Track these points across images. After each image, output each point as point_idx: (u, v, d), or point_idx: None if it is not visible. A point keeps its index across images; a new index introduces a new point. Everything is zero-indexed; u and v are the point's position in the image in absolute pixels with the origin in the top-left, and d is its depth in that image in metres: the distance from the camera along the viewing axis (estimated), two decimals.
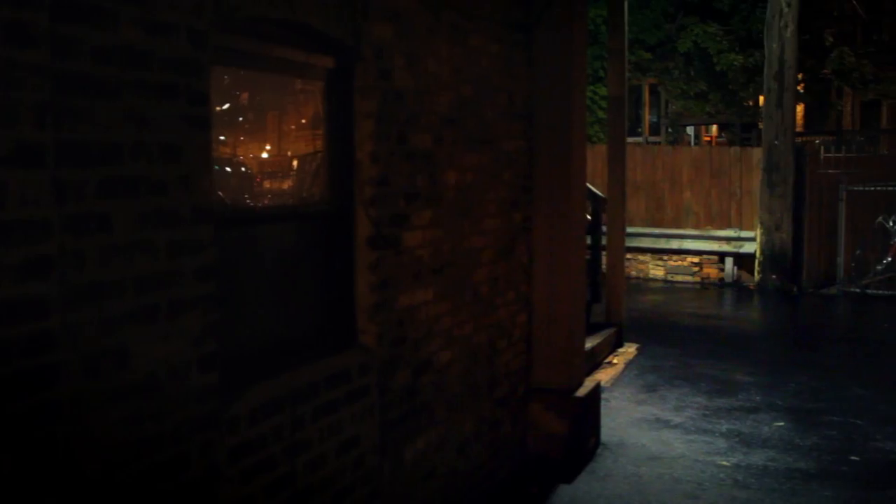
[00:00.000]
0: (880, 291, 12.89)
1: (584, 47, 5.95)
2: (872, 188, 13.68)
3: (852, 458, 5.91)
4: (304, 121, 3.77)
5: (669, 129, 21.29)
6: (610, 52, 8.78)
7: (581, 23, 5.77)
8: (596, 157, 12.99)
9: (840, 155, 14.02)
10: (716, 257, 14.19)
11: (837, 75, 17.42)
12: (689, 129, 24.46)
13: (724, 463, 5.78)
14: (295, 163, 3.74)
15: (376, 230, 3.85)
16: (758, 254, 13.62)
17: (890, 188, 13.71)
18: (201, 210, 2.76)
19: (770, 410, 6.98)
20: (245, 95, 3.45)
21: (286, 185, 3.71)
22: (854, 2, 21.52)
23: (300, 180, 3.75)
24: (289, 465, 3.26)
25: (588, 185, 9.11)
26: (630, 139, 21.09)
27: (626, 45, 8.81)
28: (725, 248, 14.04)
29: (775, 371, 8.32)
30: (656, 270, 14.60)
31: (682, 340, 9.76)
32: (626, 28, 8.85)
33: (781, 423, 6.64)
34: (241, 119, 3.46)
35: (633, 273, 14.70)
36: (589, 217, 8.99)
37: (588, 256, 8.77)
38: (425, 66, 4.25)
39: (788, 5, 13.31)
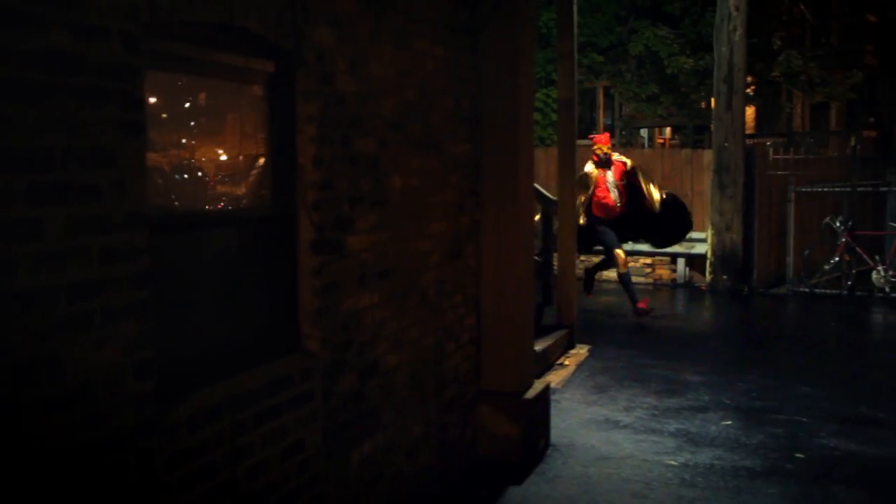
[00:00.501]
0: (828, 291, 13.10)
1: (532, 51, 5.99)
2: (820, 189, 13.93)
3: (797, 455, 6.00)
4: (245, 125, 3.76)
5: (623, 132, 21.46)
6: (560, 56, 8.84)
7: (528, 26, 5.80)
8: (550, 160, 13.04)
9: (789, 157, 14.25)
10: (668, 258, 14.33)
11: (785, 78, 17.67)
12: (643, 132, 24.68)
13: (672, 462, 5.84)
14: (236, 167, 3.72)
15: (319, 234, 3.84)
16: (709, 255, 13.77)
17: (837, 189, 13.97)
18: (136, 216, 2.74)
19: (718, 409, 7.06)
20: (184, 100, 3.43)
21: (227, 189, 3.69)
22: (802, 6, 21.88)
23: (241, 185, 3.73)
24: (230, 471, 3.24)
25: (539, 187, 9.17)
26: (585, 142, 21.30)
27: (576, 49, 8.87)
28: (677, 249, 14.14)
29: (724, 370, 8.42)
30: (609, 272, 14.65)
31: (633, 341, 9.85)
32: (576, 31, 8.90)
33: (729, 422, 6.72)
34: (179, 124, 3.44)
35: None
36: (539, 219, 9.07)
37: (539, 259, 8.84)
38: (369, 69, 4.25)
39: (737, 9, 13.48)
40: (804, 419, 6.79)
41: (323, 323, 3.87)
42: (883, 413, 6.94)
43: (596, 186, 10.93)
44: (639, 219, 11.03)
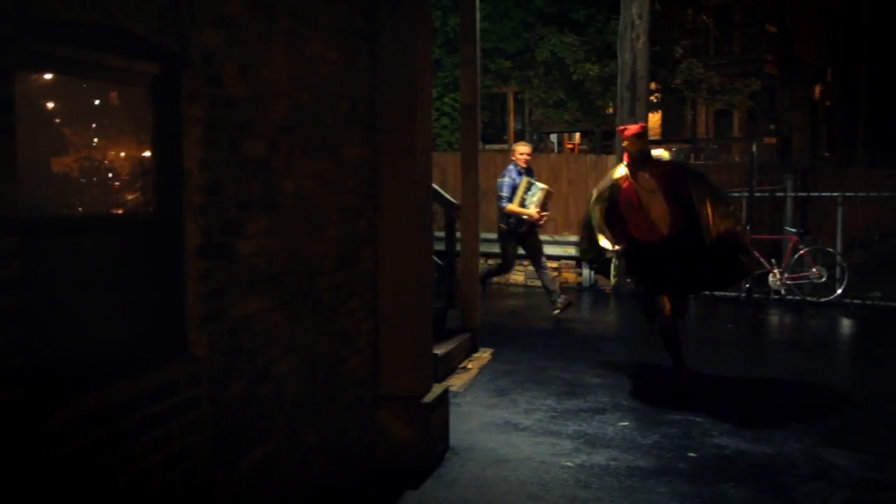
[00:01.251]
0: (727, 293, 13.42)
1: (429, 55, 6.01)
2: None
3: (690, 454, 6.14)
4: (129, 127, 3.68)
5: (534, 137, 21.71)
6: (462, 61, 8.90)
7: (425, 31, 5.83)
8: (458, 165, 13.08)
9: (689, 163, 14.55)
10: (574, 262, 14.52)
11: (687, 86, 18.09)
12: (554, 137, 25.01)
13: (569, 464, 5.92)
14: (120, 170, 3.64)
15: (206, 239, 3.79)
16: (613, 258, 13.96)
17: (735, 194, 14.33)
18: (5, 220, 2.66)
19: (616, 411, 7.17)
20: (61, 101, 3.35)
21: (108, 193, 3.61)
22: (705, 16, 22.45)
23: (124, 188, 3.66)
24: (110, 481, 3.17)
25: (442, 191, 9.22)
26: (496, 146, 21.51)
27: (479, 54, 8.93)
28: None
29: (623, 372, 8.56)
30: (517, 276, 14.83)
31: (537, 344, 9.94)
32: (479, 37, 8.97)
33: (626, 423, 6.84)
34: (57, 126, 3.36)
35: (495, 279, 14.87)
36: (436, 223, 9.11)
37: (442, 263, 8.88)
38: (260, 72, 4.21)
39: (640, 18, 13.73)
40: (698, 418, 6.94)
41: (210, 328, 3.81)
42: (773, 411, 7.14)
43: (624, 197, 7.75)
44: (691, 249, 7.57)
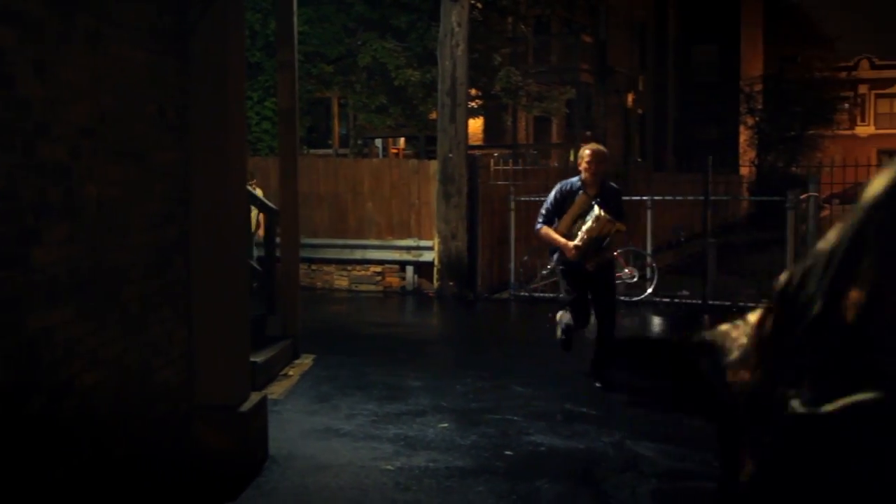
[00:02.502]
0: (545, 294, 13.84)
1: (242, 57, 5.92)
2: (538, 198, 14.67)
3: (507, 452, 6.27)
4: None
5: (359, 142, 21.70)
6: (280, 65, 8.80)
7: (238, 32, 5.73)
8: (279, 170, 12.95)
9: (509, 167, 14.92)
10: (397, 266, 14.63)
11: (506, 93, 18.53)
12: (378, 142, 25.08)
13: (389, 467, 5.94)
14: None
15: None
16: (436, 262, 14.17)
17: None
18: None
19: (436, 413, 7.26)
20: None
21: None
22: (523, 26, 23.07)
23: None
24: None
25: (261, 196, 9.09)
26: (321, 151, 21.39)
27: (297, 58, 8.86)
28: (406, 257, 14.50)
29: (445, 374, 8.68)
30: (341, 281, 14.82)
31: (360, 349, 9.94)
32: (297, 41, 8.89)
33: (446, 425, 6.93)
34: None
35: (319, 284, 14.84)
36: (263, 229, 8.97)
37: (261, 268, 8.76)
38: (57, 73, 4.03)
39: (459, 25, 13.98)
40: (516, 418, 7.11)
41: (4, 341, 3.62)
42: (586, 408, 7.39)
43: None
44: None
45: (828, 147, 38.46)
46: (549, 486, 5.61)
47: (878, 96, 62.93)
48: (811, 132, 38.62)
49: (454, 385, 8.18)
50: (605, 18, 30.01)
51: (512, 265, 14.21)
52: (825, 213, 22.43)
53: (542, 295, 13.85)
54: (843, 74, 44.77)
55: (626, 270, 13.52)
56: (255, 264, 8.60)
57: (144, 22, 4.98)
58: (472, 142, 18.83)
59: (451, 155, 13.94)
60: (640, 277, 13.59)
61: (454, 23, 13.96)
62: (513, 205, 14.26)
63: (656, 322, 12.28)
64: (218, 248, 5.57)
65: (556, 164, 22.68)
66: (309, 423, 6.96)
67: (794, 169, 36.08)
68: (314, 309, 12.30)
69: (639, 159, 33.34)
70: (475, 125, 22.32)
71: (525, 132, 26.82)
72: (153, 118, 5.06)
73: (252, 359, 6.63)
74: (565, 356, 9.78)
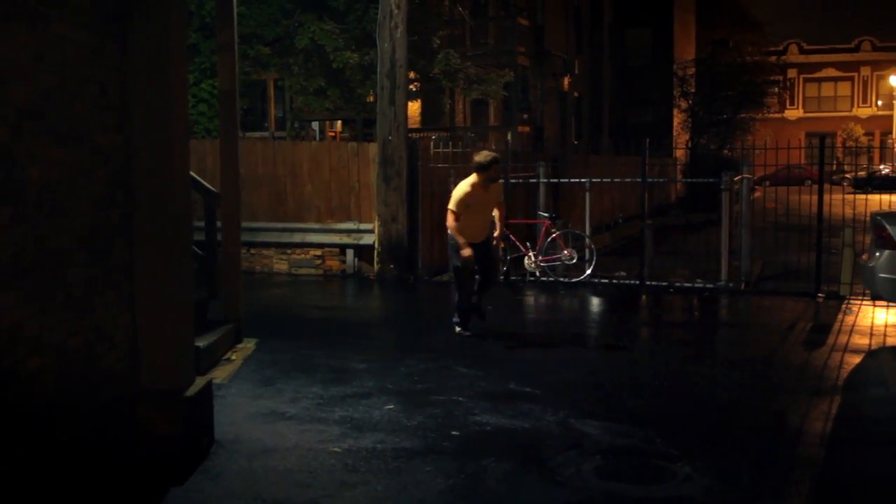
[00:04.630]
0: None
1: (184, 38, 5.84)
2: None
3: (453, 433, 6.32)
4: None
5: (295, 125, 21.51)
6: (219, 47, 8.69)
7: (178, 12, 5.64)
8: (217, 152, 12.79)
9: (449, 150, 14.94)
10: (337, 249, 14.57)
11: (444, 76, 18.52)
12: (315, 124, 24.89)
13: (336, 449, 5.95)
14: None
15: None
16: (377, 245, 14.15)
17: None
18: None
19: (381, 394, 7.28)
20: None
21: None
22: (461, 8, 23.06)
23: None
24: None
25: (201, 180, 8.99)
26: (257, 134, 21.17)
27: (236, 39, 8.76)
28: (346, 240, 14.45)
29: (389, 356, 8.70)
30: (280, 264, 14.72)
31: (302, 333, 9.92)
32: (236, 22, 8.79)
33: (392, 406, 6.95)
34: None
35: (258, 268, 14.73)
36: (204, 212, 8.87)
37: (203, 252, 8.67)
38: None
39: (398, 7, 13.92)
40: (461, 398, 7.17)
41: None
42: (529, 388, 7.47)
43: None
44: None
45: (758, 130, 39.18)
46: (496, 465, 5.67)
47: (806, 80, 64.34)
48: (743, 115, 39.27)
49: (398, 367, 8.20)
50: (542, 2, 30.13)
51: None
52: (757, 194, 22.92)
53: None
54: (773, 59, 45.53)
55: (566, 252, 13.66)
56: (195, 248, 8.50)
57: (85, 2, 4.89)
58: (410, 125, 18.79)
59: (390, 138, 13.92)
60: (578, 259, 13.73)
61: (393, 4, 13.91)
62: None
63: (595, 302, 12.44)
64: (161, 231, 5.50)
65: (493, 147, 22.76)
66: (254, 406, 6.93)
67: (726, 151, 36.73)
68: (255, 293, 12.22)
69: (575, 142, 33.61)
70: (413, 108, 22.27)
71: (463, 115, 26.85)
72: (95, 100, 4.98)
73: (195, 343, 6.58)
74: (505, 337, 9.88)
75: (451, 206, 9.25)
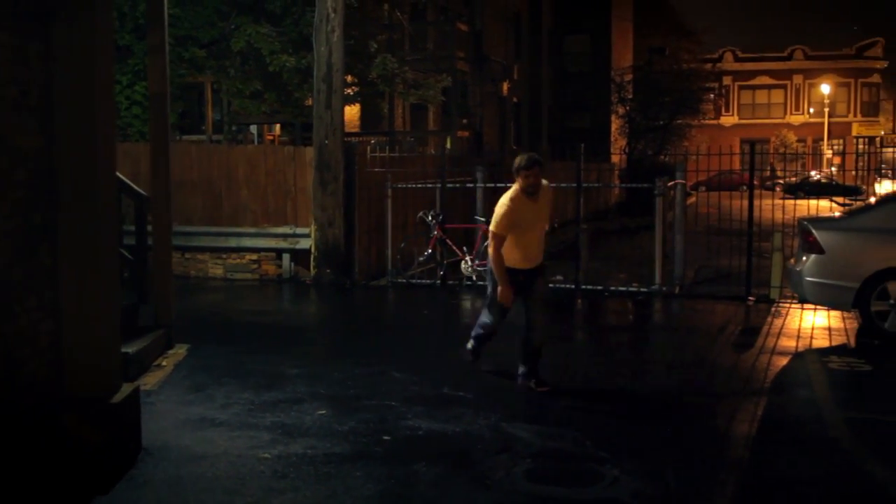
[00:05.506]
0: (423, 281, 13.93)
1: (110, 39, 5.76)
2: (415, 185, 14.78)
3: (385, 437, 6.31)
4: None
5: (233, 128, 21.30)
6: (150, 49, 8.57)
7: (104, 14, 5.56)
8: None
9: (385, 154, 14.92)
10: (274, 254, 14.46)
11: (382, 80, 18.49)
12: (254, 128, 24.69)
13: (266, 455, 5.90)
14: None
15: None
16: (313, 249, 14.07)
17: (429, 186, 14.90)
18: None
19: (314, 400, 7.23)
20: None
21: None
22: (399, 13, 23.08)
23: None
24: None
25: (130, 183, 8.86)
26: (194, 137, 20.91)
27: (167, 41, 8.65)
28: (282, 244, 14.35)
29: (322, 362, 8.66)
30: (216, 269, 14.56)
31: (236, 338, 9.82)
32: (168, 23, 8.68)
33: (324, 412, 6.92)
34: None
35: (193, 273, 14.55)
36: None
37: (132, 257, 8.55)
38: None
39: (335, 11, 13.87)
40: (394, 403, 7.15)
41: None
42: (462, 392, 7.49)
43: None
44: None
45: (694, 136, 39.86)
46: (427, 469, 5.67)
47: (741, 87, 65.53)
48: (679, 121, 39.86)
49: (332, 372, 8.16)
50: (481, 8, 30.26)
51: (389, 252, 14.24)
52: (692, 199, 23.26)
53: (419, 282, 13.94)
54: (709, 66, 46.34)
55: None
56: (125, 253, 8.37)
57: (6, 2, 4.80)
58: (348, 129, 18.76)
59: (327, 142, 13.86)
60: None
61: (330, 8, 13.85)
62: (390, 192, 14.28)
63: None
64: (86, 235, 5.42)
65: (432, 152, 22.79)
66: (184, 413, 6.84)
67: (662, 157, 37.22)
68: (188, 298, 12.08)
69: (514, 147, 33.78)
70: (351, 112, 22.23)
71: (402, 119, 26.84)
72: (14, 102, 4.89)
73: (123, 349, 6.48)
74: (439, 341, 9.89)
75: (493, 227, 7.42)
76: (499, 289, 7.47)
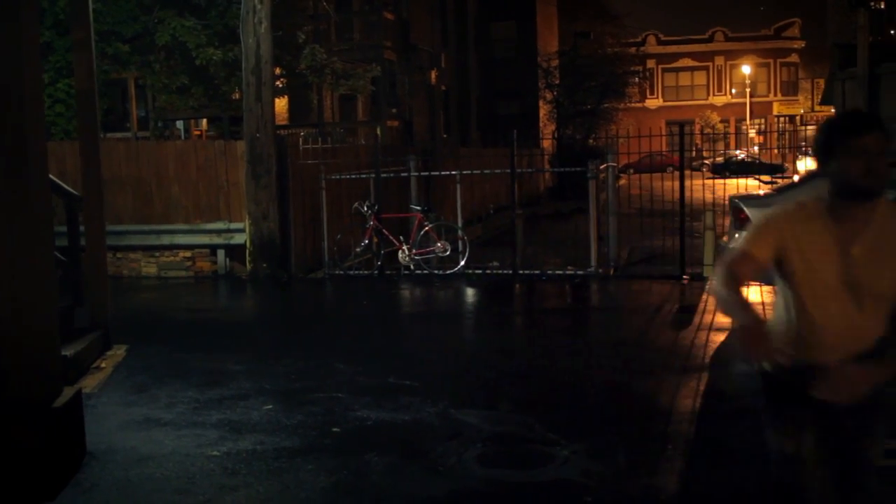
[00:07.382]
0: (360, 272, 13.90)
1: (37, 36, 5.60)
2: (349, 176, 14.72)
3: (334, 429, 6.29)
4: None
5: (159, 124, 20.93)
6: (75, 45, 8.37)
7: (30, 9, 5.41)
8: (77, 154, 12.35)
9: (318, 146, 14.83)
10: (208, 250, 14.28)
11: (311, 71, 18.34)
12: (180, 123, 24.31)
13: (215, 453, 5.84)
14: None
15: None
16: (248, 244, 13.92)
17: (363, 176, 14.85)
18: None
19: (259, 395, 7.17)
20: None
21: None
22: (325, 3, 22.88)
23: None
24: None
25: (62, 183, 8.67)
26: (118, 134, 20.50)
27: (93, 37, 8.46)
28: (217, 240, 14.17)
29: (265, 357, 8.58)
30: (149, 268, 14.32)
31: (175, 337, 9.69)
32: (92, 18, 8.48)
33: (270, 406, 6.86)
34: None
35: (126, 272, 14.30)
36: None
37: (65, 259, 8.36)
38: None
39: (261, 2, 13.71)
40: (340, 395, 7.13)
41: None
42: (409, 380, 7.48)
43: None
44: None
45: (621, 119, 40.21)
46: (379, 459, 5.66)
47: (664, 70, 66.46)
48: (606, 105, 40.23)
49: (276, 366, 8.10)
50: None
51: (325, 244, 14.15)
52: (622, 181, 23.53)
53: (356, 273, 13.90)
54: (633, 50, 46.79)
55: (439, 244, 13.76)
56: (58, 254, 8.19)
57: None
58: (277, 121, 18.53)
59: (258, 135, 13.71)
60: (452, 251, 13.84)
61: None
62: (324, 183, 14.18)
63: (470, 293, 12.55)
64: (19, 238, 5.27)
65: (363, 142, 22.67)
66: (127, 414, 6.73)
67: (591, 141, 37.59)
68: (123, 298, 11.86)
69: (445, 135, 33.79)
70: (280, 104, 21.97)
71: (331, 110, 26.63)
72: None
73: (62, 352, 6.34)
74: (381, 331, 9.88)
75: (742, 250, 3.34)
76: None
